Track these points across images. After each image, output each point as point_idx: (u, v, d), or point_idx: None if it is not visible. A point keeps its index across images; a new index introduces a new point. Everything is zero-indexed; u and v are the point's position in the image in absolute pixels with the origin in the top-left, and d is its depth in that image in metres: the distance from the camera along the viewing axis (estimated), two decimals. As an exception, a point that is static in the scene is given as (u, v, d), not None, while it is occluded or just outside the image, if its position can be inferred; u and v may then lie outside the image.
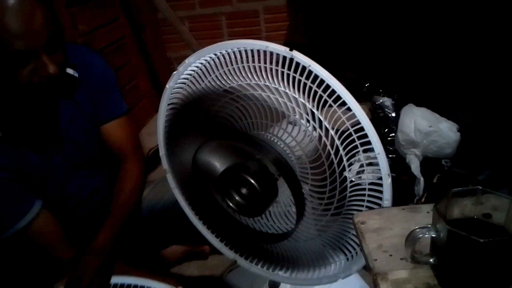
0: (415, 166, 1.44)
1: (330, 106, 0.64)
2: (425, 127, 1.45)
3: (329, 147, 0.67)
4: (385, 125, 1.64)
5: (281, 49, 0.62)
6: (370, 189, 0.66)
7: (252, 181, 0.72)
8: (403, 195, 1.40)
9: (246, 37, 2.30)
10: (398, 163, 1.52)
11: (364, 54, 2.11)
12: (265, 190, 0.72)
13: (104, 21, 2.02)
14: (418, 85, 1.78)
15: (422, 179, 1.41)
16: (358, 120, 0.61)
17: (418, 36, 1.81)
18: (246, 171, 0.73)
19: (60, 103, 0.99)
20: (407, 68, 1.85)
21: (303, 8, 2.30)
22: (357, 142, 0.62)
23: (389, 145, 1.58)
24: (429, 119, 1.48)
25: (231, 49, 0.70)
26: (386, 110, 1.68)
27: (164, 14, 2.29)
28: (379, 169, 0.62)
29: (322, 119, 0.65)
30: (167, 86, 0.82)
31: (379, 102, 1.71)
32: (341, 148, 0.65)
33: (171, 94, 0.83)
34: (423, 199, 1.40)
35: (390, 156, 1.55)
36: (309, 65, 0.60)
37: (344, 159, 0.65)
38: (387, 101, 1.69)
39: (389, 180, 0.61)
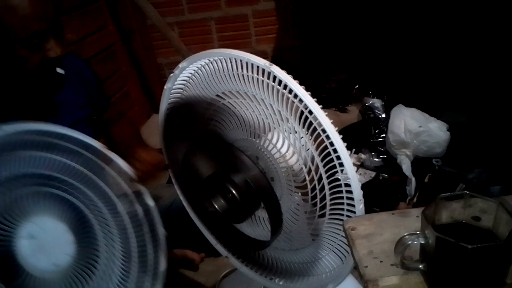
0: (406, 166, 1.45)
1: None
2: (415, 127, 1.46)
3: (309, 163, 0.68)
4: (376, 126, 1.65)
5: (261, 63, 0.63)
6: (347, 191, 0.66)
7: (233, 190, 0.72)
8: (395, 195, 1.41)
9: (236, 41, 2.28)
10: (389, 164, 1.53)
11: (354, 55, 2.12)
12: (246, 200, 0.73)
13: (93, 29, 2.01)
14: (407, 85, 1.79)
15: (413, 179, 1.42)
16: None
17: (407, 37, 1.82)
18: (228, 180, 0.74)
19: None
20: (396, 69, 1.87)
21: (292, 11, 2.30)
22: (336, 162, 0.63)
23: (380, 146, 1.59)
24: (418, 119, 1.49)
25: (223, 57, 0.71)
26: (376, 111, 1.69)
27: (152, 20, 2.28)
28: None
29: (303, 135, 0.66)
30: (165, 87, 0.85)
31: (369, 104, 1.72)
32: (320, 166, 0.66)
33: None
34: (415, 199, 1.41)
35: (381, 157, 1.56)
36: (285, 82, 0.61)
37: (324, 176, 0.66)
38: (377, 102, 1.70)
39: (361, 205, 0.62)
